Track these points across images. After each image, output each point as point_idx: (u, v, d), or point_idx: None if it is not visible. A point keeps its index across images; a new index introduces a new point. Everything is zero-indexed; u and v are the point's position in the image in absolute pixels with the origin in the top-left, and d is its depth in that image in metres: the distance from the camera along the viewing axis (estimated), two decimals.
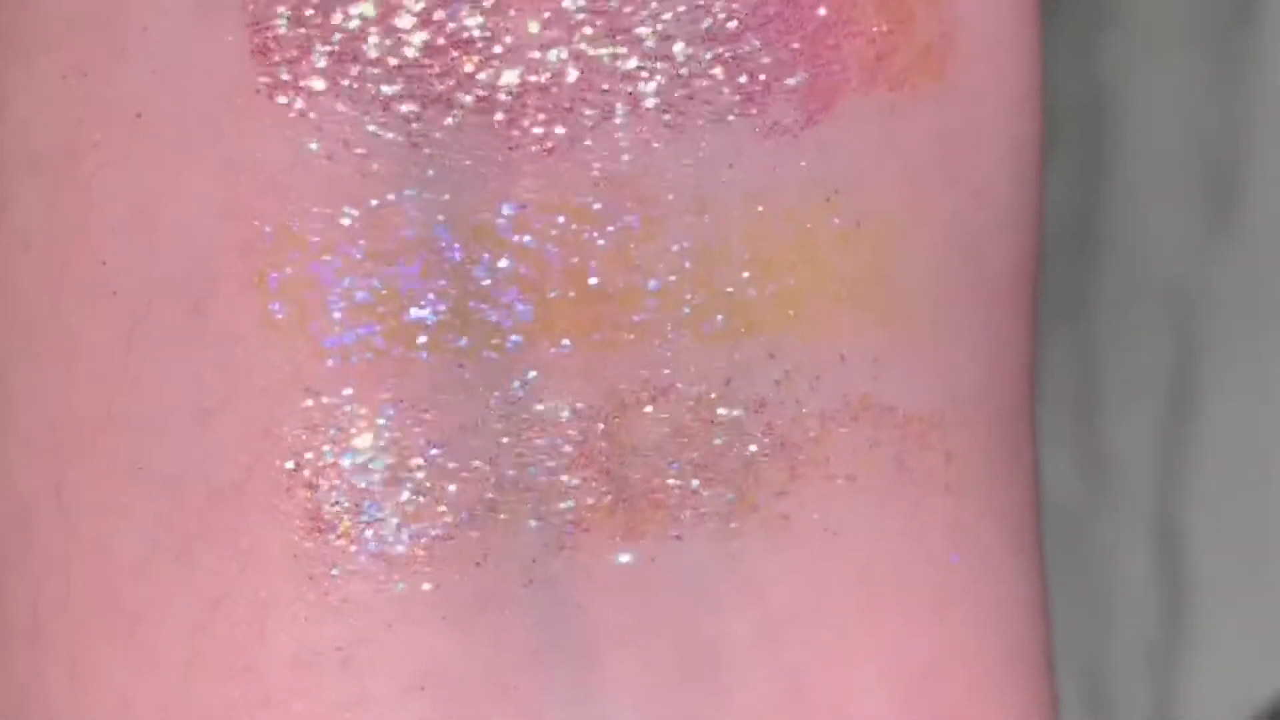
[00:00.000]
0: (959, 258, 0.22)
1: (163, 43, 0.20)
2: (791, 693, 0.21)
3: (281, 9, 0.20)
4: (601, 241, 0.20)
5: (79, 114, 0.20)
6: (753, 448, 0.21)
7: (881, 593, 0.21)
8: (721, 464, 0.21)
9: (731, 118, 0.20)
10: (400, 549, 0.20)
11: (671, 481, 0.21)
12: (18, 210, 0.21)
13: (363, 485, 0.20)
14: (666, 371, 0.21)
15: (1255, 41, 0.40)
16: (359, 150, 0.20)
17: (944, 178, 0.21)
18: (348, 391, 0.20)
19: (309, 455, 0.20)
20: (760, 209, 0.21)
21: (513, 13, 0.20)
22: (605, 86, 0.20)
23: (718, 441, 0.21)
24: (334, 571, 0.20)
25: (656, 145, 0.20)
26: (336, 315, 0.20)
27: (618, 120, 0.20)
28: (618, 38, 0.20)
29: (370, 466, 0.20)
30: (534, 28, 0.20)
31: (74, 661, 0.21)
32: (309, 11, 0.20)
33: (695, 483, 0.21)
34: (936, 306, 0.21)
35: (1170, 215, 0.41)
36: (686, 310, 0.21)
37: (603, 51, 0.20)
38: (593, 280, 0.20)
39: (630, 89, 0.20)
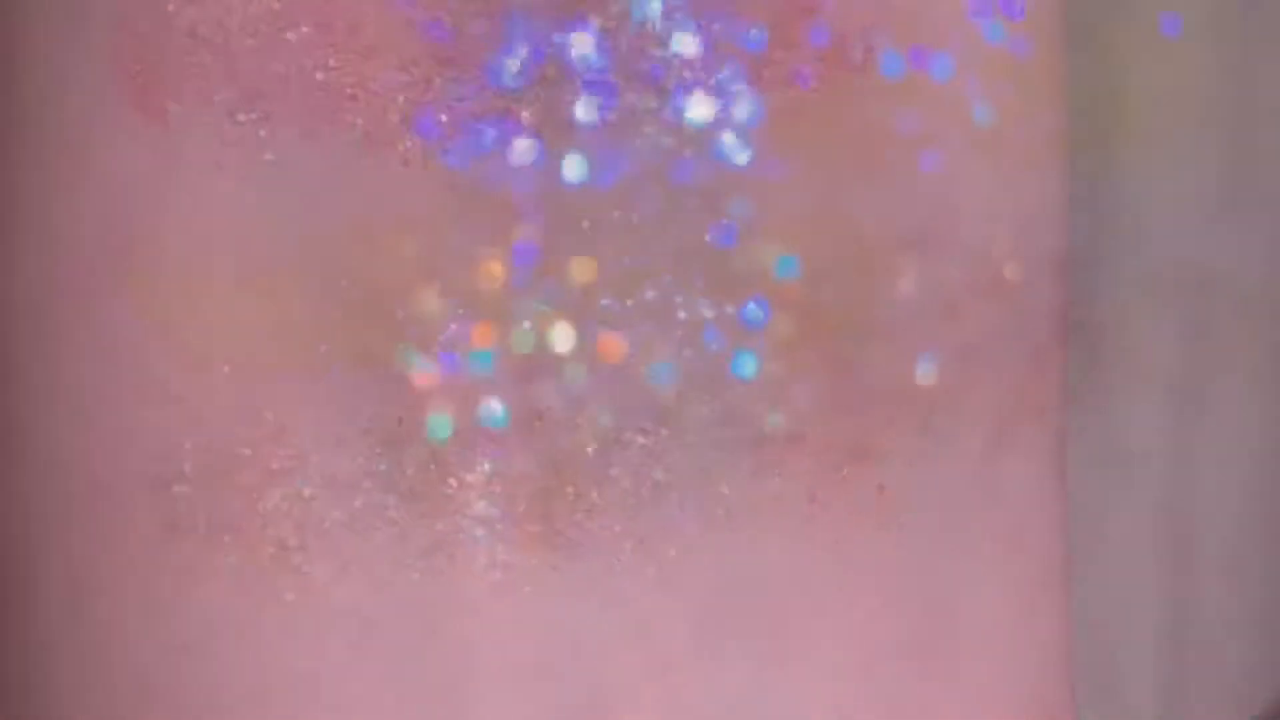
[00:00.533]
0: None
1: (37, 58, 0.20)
2: None
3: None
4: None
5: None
6: (650, 483, 0.20)
7: (792, 639, 0.19)
8: (610, 493, 0.20)
9: None
10: (256, 559, 0.20)
11: (552, 512, 0.20)
12: None
13: (217, 493, 0.20)
14: (541, 393, 0.21)
15: (1265, 28, 0.40)
16: (226, 160, 0.20)
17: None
18: (211, 398, 0.20)
19: (168, 458, 0.20)
20: None
21: None
22: None
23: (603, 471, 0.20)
24: (190, 573, 0.20)
25: None
26: (204, 320, 0.20)
27: None
28: None
29: (230, 476, 0.20)
30: None
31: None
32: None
33: (575, 515, 0.20)
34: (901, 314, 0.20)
35: (1183, 203, 0.41)
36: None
37: None
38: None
39: None
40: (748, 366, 0.18)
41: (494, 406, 0.20)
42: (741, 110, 0.18)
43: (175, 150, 0.20)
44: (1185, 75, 0.41)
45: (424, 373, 0.20)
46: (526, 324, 0.20)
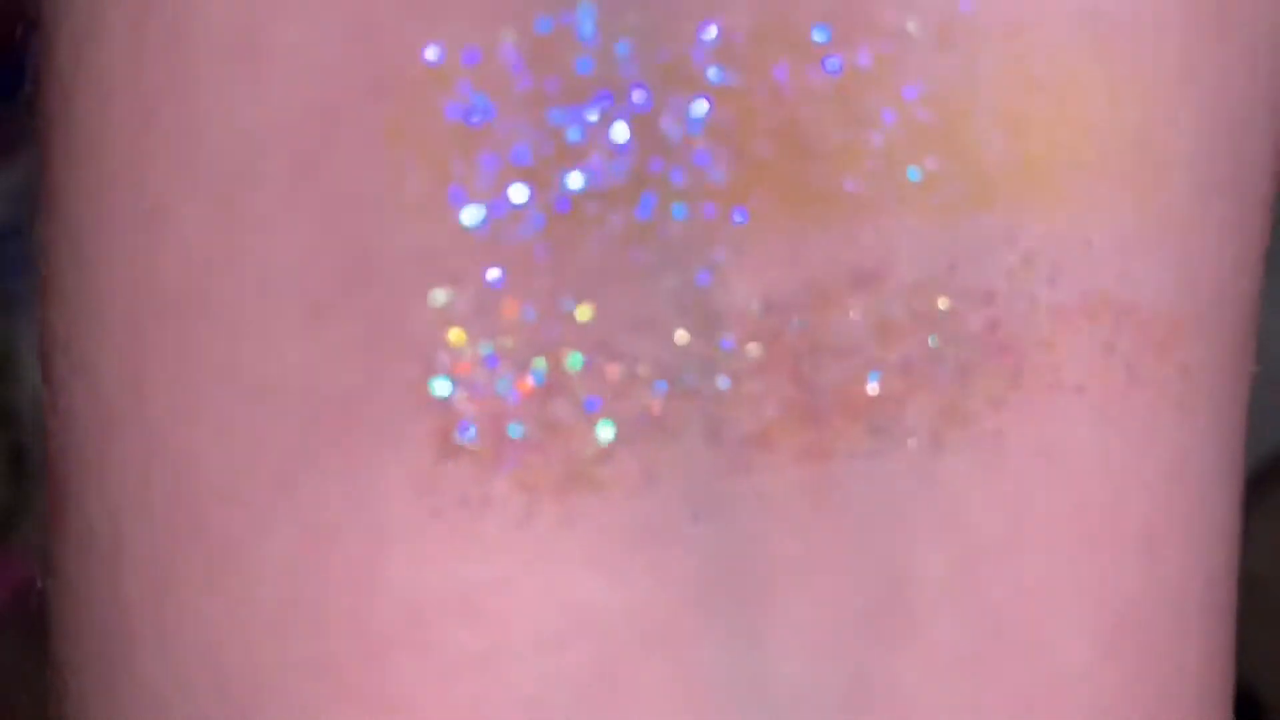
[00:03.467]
0: (1223, 132, 0.18)
1: None
2: (988, 635, 0.18)
3: None
4: (819, 82, 0.17)
5: None
6: (973, 349, 0.17)
7: (1095, 525, 0.18)
8: (933, 368, 0.17)
9: None
10: (546, 476, 0.17)
11: (872, 388, 0.17)
12: (98, 53, 0.17)
13: (504, 398, 0.17)
14: (880, 253, 0.17)
15: None
16: None
17: (1219, 29, 0.18)
18: (493, 277, 0.16)
19: (442, 360, 0.16)
20: (1018, 48, 0.17)
21: None
22: None
23: (932, 341, 0.17)
24: (465, 503, 0.17)
25: None
26: (484, 181, 0.16)
27: None
28: None
29: (514, 374, 0.17)
30: None
31: (160, 590, 0.17)
32: None
33: (900, 389, 0.17)
34: (1196, 189, 0.18)
35: None
36: (914, 175, 0.17)
37: None
38: (805, 134, 0.17)
39: None
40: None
41: None
42: None
43: None
44: None
45: None
46: None
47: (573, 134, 0.16)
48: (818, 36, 0.16)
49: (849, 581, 0.17)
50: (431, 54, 0.16)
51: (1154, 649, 0.18)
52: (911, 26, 0.17)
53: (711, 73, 0.16)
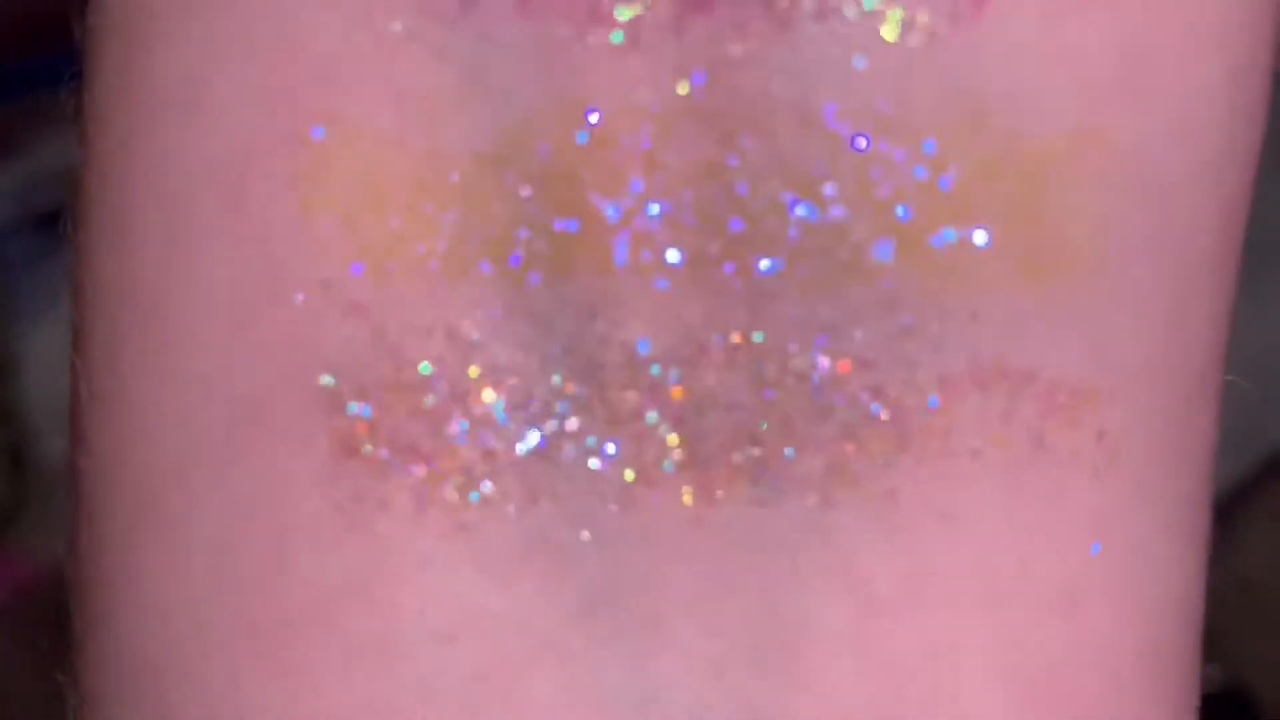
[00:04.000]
0: (1142, 198, 0.18)
1: None
2: (890, 687, 0.18)
3: None
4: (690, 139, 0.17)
5: None
6: (855, 411, 0.18)
7: (1002, 585, 0.18)
8: (817, 427, 0.18)
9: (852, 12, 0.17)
10: (437, 484, 0.18)
11: (754, 444, 0.18)
12: (99, 79, 0.19)
13: (403, 410, 0.18)
14: (758, 315, 0.18)
15: None
16: (421, 39, 0.17)
17: (1126, 102, 0.18)
18: (399, 306, 0.18)
19: (344, 371, 0.18)
20: (891, 122, 0.17)
21: None
22: None
23: (814, 400, 0.18)
24: (362, 501, 0.18)
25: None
26: (391, 221, 0.18)
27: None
28: None
29: (416, 390, 0.18)
30: None
31: (117, 560, 0.19)
32: None
33: (787, 447, 0.18)
34: (1101, 258, 0.18)
35: None
36: (793, 234, 0.18)
37: None
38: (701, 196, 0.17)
39: None
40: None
41: None
42: None
43: (363, 18, 0.18)
44: None
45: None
46: None
47: (472, 186, 0.18)
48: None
49: (740, 618, 0.18)
50: (317, 132, 0.18)
51: (1081, 709, 0.18)
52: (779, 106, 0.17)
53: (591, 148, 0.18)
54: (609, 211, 0.17)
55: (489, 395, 0.18)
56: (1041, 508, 0.18)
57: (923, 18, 0.17)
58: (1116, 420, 0.18)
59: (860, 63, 0.17)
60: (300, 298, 0.18)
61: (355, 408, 0.18)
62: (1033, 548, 0.18)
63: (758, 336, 0.18)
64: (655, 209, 0.17)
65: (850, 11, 0.17)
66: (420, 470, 0.18)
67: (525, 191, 0.18)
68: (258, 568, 0.18)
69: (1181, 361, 0.19)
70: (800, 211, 0.17)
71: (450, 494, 0.18)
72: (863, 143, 0.17)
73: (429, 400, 0.18)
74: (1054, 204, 0.18)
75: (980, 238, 0.17)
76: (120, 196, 0.19)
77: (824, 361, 0.18)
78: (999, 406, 0.18)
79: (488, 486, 0.18)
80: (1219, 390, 0.20)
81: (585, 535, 0.18)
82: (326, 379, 0.18)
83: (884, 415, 0.18)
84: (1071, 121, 0.17)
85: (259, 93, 0.18)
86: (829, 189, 0.17)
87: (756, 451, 0.18)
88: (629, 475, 0.18)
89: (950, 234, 0.17)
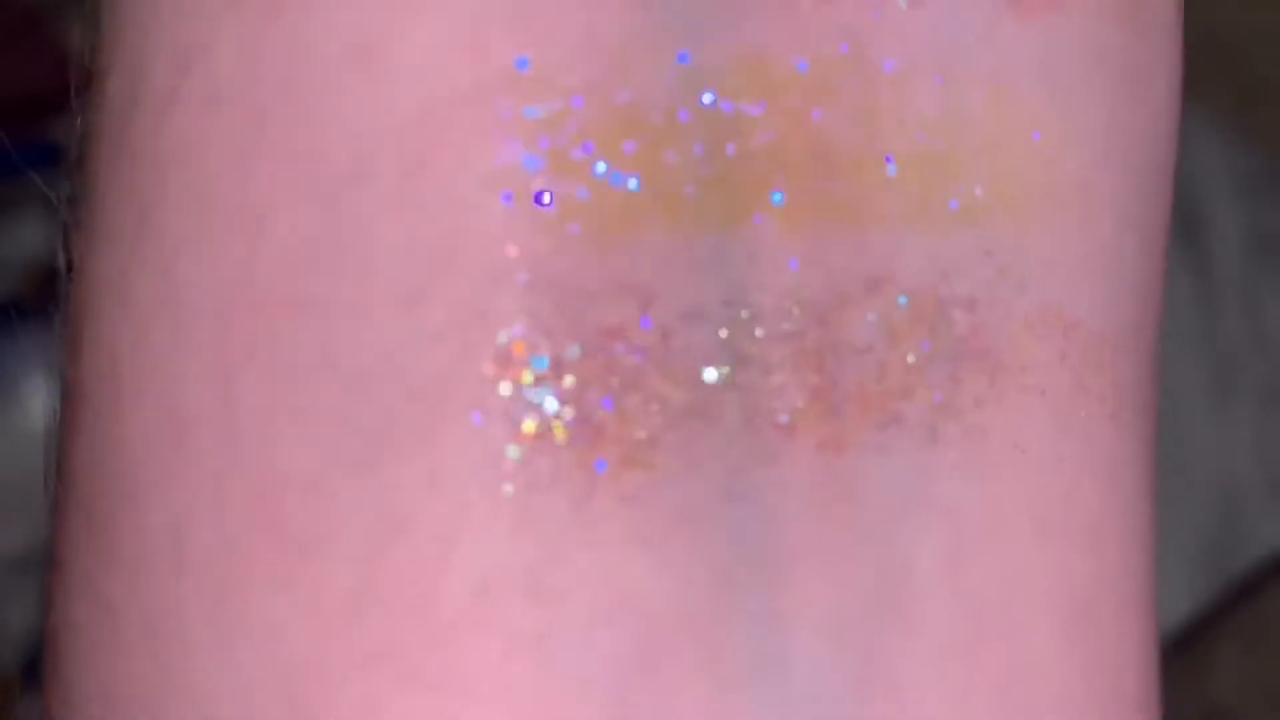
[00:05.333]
0: (1141, 183, 0.20)
1: None
2: (972, 625, 0.19)
3: None
4: (844, 94, 0.18)
5: None
6: (959, 350, 0.19)
7: (1051, 518, 0.19)
8: (930, 367, 0.19)
9: None
10: (602, 458, 0.18)
11: (880, 385, 0.18)
12: (210, 63, 0.18)
13: (571, 385, 0.17)
14: (888, 260, 0.19)
15: None
16: None
17: (1134, 100, 0.20)
18: (588, 271, 0.18)
19: (521, 348, 0.17)
20: (1000, 94, 0.19)
21: None
22: None
23: (927, 343, 0.19)
24: (532, 485, 0.17)
25: (903, 5, 0.18)
26: (584, 182, 0.18)
27: None
28: None
29: (602, 368, 0.18)
30: None
31: (221, 593, 0.18)
32: None
33: (904, 386, 0.18)
34: (1117, 224, 0.20)
35: None
36: (914, 191, 0.19)
37: None
38: (831, 145, 0.18)
39: None
40: None
41: None
42: None
43: None
44: None
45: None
46: None
47: (656, 141, 0.18)
48: (841, 49, 0.18)
49: (858, 568, 0.18)
50: (519, 62, 0.17)
51: (1103, 641, 0.19)
52: (917, 60, 0.19)
53: (748, 110, 0.18)
54: (767, 163, 0.18)
55: (658, 364, 0.18)
56: (1080, 445, 0.19)
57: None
58: (1125, 373, 0.20)
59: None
60: (484, 271, 0.17)
61: (528, 383, 0.17)
62: (1073, 483, 0.19)
63: (889, 285, 0.19)
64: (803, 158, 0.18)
65: None
66: (595, 445, 0.17)
67: (700, 148, 0.18)
68: (413, 575, 0.17)
69: (1153, 322, 0.21)
70: (907, 152, 0.19)
71: (616, 468, 0.17)
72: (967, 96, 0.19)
73: (612, 367, 0.17)
74: (1093, 173, 0.20)
75: (1050, 193, 0.19)
76: (245, 180, 0.18)
77: (943, 304, 0.19)
78: (1057, 348, 0.19)
79: (648, 457, 0.18)
80: (1157, 385, 0.21)
81: (729, 496, 0.18)
82: (499, 357, 0.17)
83: (982, 352, 0.19)
84: (1103, 115, 0.20)
85: (447, 43, 0.17)
86: (938, 141, 0.19)
87: (883, 392, 0.18)
88: (769, 427, 0.18)
89: (1033, 183, 0.19)
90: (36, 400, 0.78)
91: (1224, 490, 0.78)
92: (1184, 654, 0.77)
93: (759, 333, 0.18)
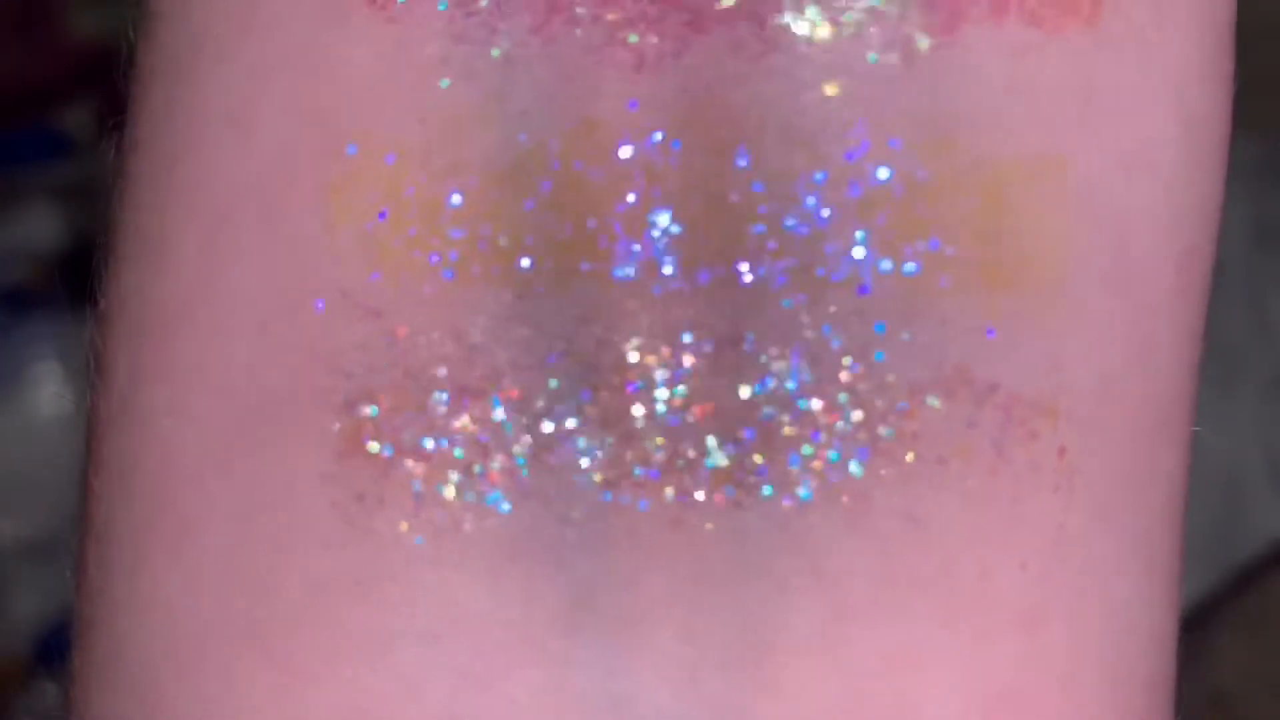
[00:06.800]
0: (1098, 227, 0.19)
1: None
2: (849, 695, 0.18)
3: None
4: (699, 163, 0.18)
5: (204, 13, 0.20)
6: (830, 415, 0.18)
7: (964, 595, 0.18)
8: (794, 430, 0.18)
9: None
10: (439, 484, 0.18)
11: (735, 446, 0.18)
12: (143, 114, 0.20)
13: (409, 410, 0.19)
14: (741, 318, 0.18)
15: None
16: (447, 61, 0.19)
17: (1084, 134, 0.19)
18: (411, 313, 0.19)
19: (356, 373, 0.19)
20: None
21: None
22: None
23: (792, 403, 0.18)
24: (361, 499, 0.19)
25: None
26: (410, 232, 0.19)
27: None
28: None
29: (424, 390, 0.19)
30: None
31: (126, 565, 0.20)
32: None
33: (764, 449, 0.18)
34: (1059, 278, 0.19)
35: None
36: (773, 245, 0.18)
37: None
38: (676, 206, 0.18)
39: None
40: None
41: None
42: None
43: (400, 44, 0.19)
44: None
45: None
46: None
47: (482, 203, 0.19)
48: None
49: (714, 620, 0.18)
50: (350, 149, 0.19)
51: None
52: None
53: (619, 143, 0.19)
54: (608, 224, 0.18)
55: (489, 398, 0.18)
56: (1002, 519, 0.18)
57: (899, 39, 0.18)
58: (1075, 439, 0.19)
59: (840, 83, 0.18)
60: (321, 304, 0.19)
61: (364, 408, 0.19)
62: (994, 559, 0.18)
63: (744, 342, 0.18)
64: (656, 220, 0.18)
65: (830, 34, 0.18)
66: (420, 468, 0.18)
67: (533, 205, 0.18)
68: (261, 565, 0.19)
69: (1141, 393, 0.19)
70: (788, 223, 0.18)
71: (447, 492, 0.18)
72: (840, 159, 0.18)
73: (435, 399, 0.18)
74: (1014, 222, 0.18)
75: (948, 250, 0.18)
76: (160, 217, 0.20)
77: (803, 366, 0.18)
78: (964, 415, 0.18)
79: (483, 486, 0.18)
80: (1187, 441, 0.20)
81: (571, 535, 0.18)
82: (336, 381, 0.19)
83: (857, 418, 0.18)
84: (1032, 147, 0.18)
85: (298, 113, 0.19)
86: (809, 201, 0.18)
87: (735, 454, 0.18)
88: (614, 476, 0.18)
89: (921, 245, 0.18)
90: (43, 389, 0.78)
91: (1226, 479, 0.79)
92: (1186, 641, 0.77)
93: (596, 386, 0.18)
